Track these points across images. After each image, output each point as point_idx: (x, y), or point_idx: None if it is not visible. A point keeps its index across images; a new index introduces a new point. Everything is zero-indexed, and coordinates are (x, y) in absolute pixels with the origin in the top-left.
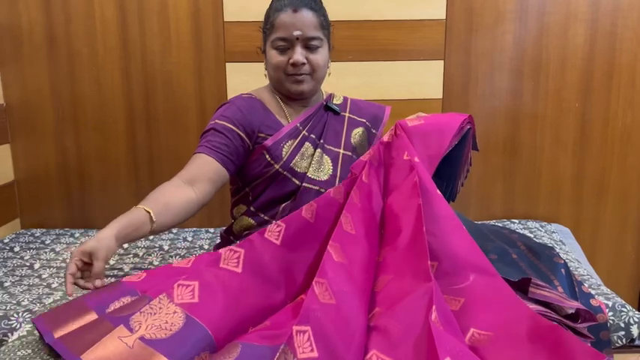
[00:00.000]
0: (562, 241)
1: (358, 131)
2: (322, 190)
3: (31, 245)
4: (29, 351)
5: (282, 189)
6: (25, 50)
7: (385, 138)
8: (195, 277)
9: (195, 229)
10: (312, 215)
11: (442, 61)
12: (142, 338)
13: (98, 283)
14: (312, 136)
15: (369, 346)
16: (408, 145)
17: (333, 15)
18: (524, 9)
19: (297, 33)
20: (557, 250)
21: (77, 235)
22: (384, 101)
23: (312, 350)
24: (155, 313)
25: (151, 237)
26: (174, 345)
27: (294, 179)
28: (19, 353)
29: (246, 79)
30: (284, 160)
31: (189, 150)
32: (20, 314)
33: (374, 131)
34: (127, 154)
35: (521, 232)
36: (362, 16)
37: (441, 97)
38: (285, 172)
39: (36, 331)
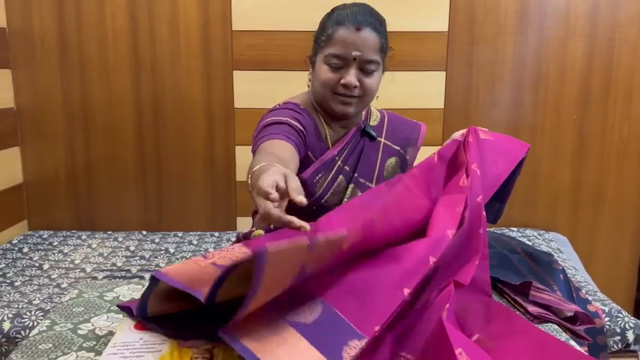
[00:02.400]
0: (559, 249)
1: (391, 162)
2: None
3: (39, 247)
4: (50, 345)
5: (305, 218)
6: (38, 56)
7: (458, 138)
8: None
9: (200, 232)
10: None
11: (444, 72)
12: (213, 263)
13: (303, 198)
14: (347, 168)
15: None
16: (474, 155)
17: None
18: (524, 23)
19: (355, 53)
20: (555, 258)
21: (84, 237)
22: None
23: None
24: (228, 252)
25: (157, 240)
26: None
27: (321, 214)
28: (40, 347)
29: (254, 86)
30: (316, 196)
31: (196, 155)
32: (33, 312)
33: (407, 157)
34: (135, 159)
35: (520, 239)
36: None
37: (442, 107)
38: (314, 208)
39: (55, 327)
